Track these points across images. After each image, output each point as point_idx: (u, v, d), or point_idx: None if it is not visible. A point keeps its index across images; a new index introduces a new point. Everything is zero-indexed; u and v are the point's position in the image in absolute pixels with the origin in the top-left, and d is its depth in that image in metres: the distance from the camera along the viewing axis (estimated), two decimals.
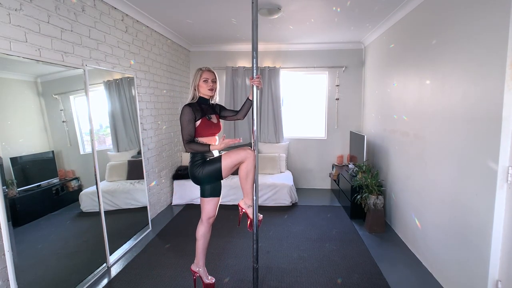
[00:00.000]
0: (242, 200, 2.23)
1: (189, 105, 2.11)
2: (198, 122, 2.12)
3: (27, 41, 2.06)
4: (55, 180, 2.36)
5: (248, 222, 2.21)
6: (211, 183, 2.18)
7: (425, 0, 2.79)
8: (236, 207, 4.33)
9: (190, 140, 2.09)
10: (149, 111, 3.81)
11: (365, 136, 4.12)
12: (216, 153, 2.23)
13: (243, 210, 2.22)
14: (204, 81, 2.16)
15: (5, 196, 1.87)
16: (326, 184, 5.43)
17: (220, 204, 4.44)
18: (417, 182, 2.92)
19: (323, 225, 3.67)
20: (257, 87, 2.05)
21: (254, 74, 2.01)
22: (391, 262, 2.82)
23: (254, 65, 1.99)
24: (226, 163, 2.07)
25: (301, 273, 2.64)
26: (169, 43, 4.44)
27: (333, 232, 3.48)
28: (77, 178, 2.57)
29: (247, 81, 5.21)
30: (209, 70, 2.19)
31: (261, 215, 2.31)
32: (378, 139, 4.15)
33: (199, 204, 4.41)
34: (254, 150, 2.09)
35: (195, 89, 2.17)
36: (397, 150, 3.45)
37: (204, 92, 2.18)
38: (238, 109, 2.35)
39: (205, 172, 2.09)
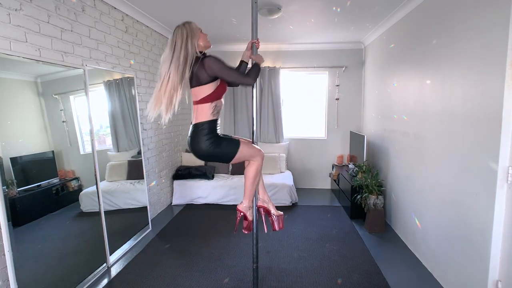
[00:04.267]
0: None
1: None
2: (218, 82, 1.79)
3: (27, 41, 2.06)
4: (55, 180, 2.36)
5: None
6: (210, 160, 1.92)
7: (425, 0, 2.79)
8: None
9: (242, 74, 1.81)
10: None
11: (365, 136, 4.12)
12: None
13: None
14: (201, 31, 1.80)
15: (5, 196, 1.87)
16: (326, 184, 5.42)
17: (220, 204, 4.49)
18: (417, 182, 2.92)
19: (323, 225, 3.67)
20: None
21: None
22: (391, 262, 2.82)
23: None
24: (243, 153, 1.84)
25: (301, 273, 2.64)
26: None
27: (333, 232, 3.48)
28: (77, 178, 2.57)
29: None
30: None
31: (281, 212, 2.12)
32: (378, 139, 4.15)
33: (199, 204, 4.44)
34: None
35: (194, 45, 1.73)
36: (397, 150, 3.45)
37: (206, 45, 1.82)
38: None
39: (217, 151, 1.80)
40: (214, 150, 1.81)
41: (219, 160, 1.89)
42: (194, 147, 1.84)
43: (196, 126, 1.82)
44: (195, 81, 1.77)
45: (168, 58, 1.72)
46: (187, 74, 1.72)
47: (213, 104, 1.80)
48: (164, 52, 1.77)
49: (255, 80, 1.84)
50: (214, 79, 1.77)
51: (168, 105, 1.75)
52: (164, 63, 1.74)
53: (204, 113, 1.81)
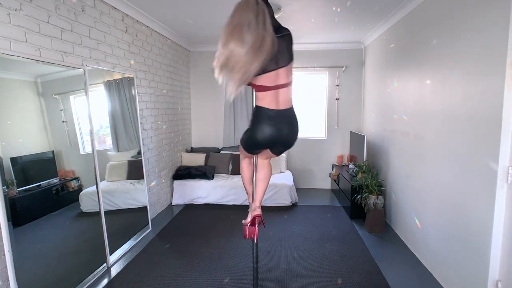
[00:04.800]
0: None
1: None
2: None
3: (27, 41, 2.06)
4: (55, 180, 2.36)
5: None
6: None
7: (425, 0, 2.79)
8: (236, 207, 4.33)
9: None
10: (149, 111, 3.81)
11: (365, 136, 4.12)
12: None
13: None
14: None
15: (5, 196, 1.87)
16: (326, 184, 5.43)
17: (220, 204, 4.49)
18: (417, 182, 2.92)
19: (323, 225, 3.67)
20: None
21: None
22: (391, 262, 2.82)
23: None
24: None
25: (301, 273, 2.64)
26: (169, 43, 4.44)
27: (333, 232, 3.48)
28: (77, 178, 2.57)
29: None
30: None
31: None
32: (378, 139, 4.15)
33: (199, 204, 4.44)
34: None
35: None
36: (397, 150, 3.45)
37: None
38: None
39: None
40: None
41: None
42: (294, 132, 1.69)
43: (293, 110, 1.68)
44: (288, 58, 1.60)
45: (259, 20, 1.41)
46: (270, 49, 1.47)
47: None
48: (246, 13, 1.44)
49: None
50: None
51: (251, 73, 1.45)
52: (252, 22, 1.41)
53: (291, 96, 1.66)
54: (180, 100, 4.93)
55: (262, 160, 1.89)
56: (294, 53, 1.66)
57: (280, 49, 1.55)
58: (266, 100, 1.60)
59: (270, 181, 1.93)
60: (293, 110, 1.69)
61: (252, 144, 1.71)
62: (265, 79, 1.57)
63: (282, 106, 1.62)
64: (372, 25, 3.96)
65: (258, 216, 1.81)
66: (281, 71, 1.59)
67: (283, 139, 1.67)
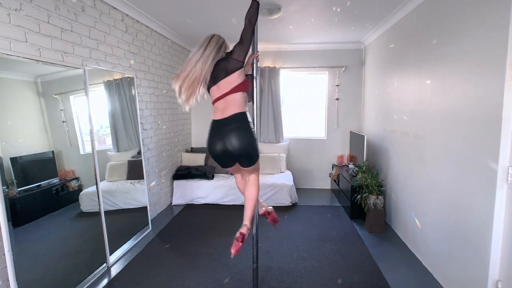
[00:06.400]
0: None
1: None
2: (243, 76, 1.91)
3: (27, 41, 2.06)
4: (55, 180, 2.36)
5: (270, 217, 2.33)
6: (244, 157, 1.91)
7: (425, 0, 2.79)
8: (236, 207, 4.34)
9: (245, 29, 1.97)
10: (149, 111, 3.81)
11: (365, 136, 4.12)
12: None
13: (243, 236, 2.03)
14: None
15: (5, 196, 1.87)
16: (326, 184, 5.43)
17: (220, 204, 4.48)
18: (417, 182, 2.92)
19: (323, 225, 3.67)
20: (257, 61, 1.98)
21: (254, 73, 2.01)
22: (391, 262, 2.82)
23: (254, 65, 1.99)
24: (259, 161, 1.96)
25: (301, 273, 2.64)
26: (169, 43, 4.44)
27: (333, 232, 3.48)
28: (77, 178, 2.57)
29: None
30: None
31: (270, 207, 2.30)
32: (378, 139, 4.15)
33: (199, 204, 4.44)
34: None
35: (224, 51, 1.96)
36: (397, 150, 3.45)
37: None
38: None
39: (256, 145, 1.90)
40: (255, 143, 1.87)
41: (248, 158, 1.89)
42: (245, 139, 1.81)
43: (234, 117, 1.80)
44: (224, 73, 1.82)
45: (197, 55, 1.81)
46: (209, 72, 1.82)
47: (244, 94, 1.87)
48: (192, 51, 1.86)
49: (255, 21, 2.00)
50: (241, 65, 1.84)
51: (190, 93, 1.81)
52: (192, 58, 1.82)
53: (232, 104, 1.82)
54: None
55: (248, 176, 2.03)
56: (234, 67, 1.84)
57: (223, 66, 1.82)
58: (215, 113, 1.86)
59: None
60: (233, 117, 1.79)
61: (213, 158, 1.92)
62: (211, 93, 1.88)
63: (226, 114, 1.81)
64: (372, 25, 3.96)
65: (242, 234, 1.97)
66: (221, 84, 1.82)
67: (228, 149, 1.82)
